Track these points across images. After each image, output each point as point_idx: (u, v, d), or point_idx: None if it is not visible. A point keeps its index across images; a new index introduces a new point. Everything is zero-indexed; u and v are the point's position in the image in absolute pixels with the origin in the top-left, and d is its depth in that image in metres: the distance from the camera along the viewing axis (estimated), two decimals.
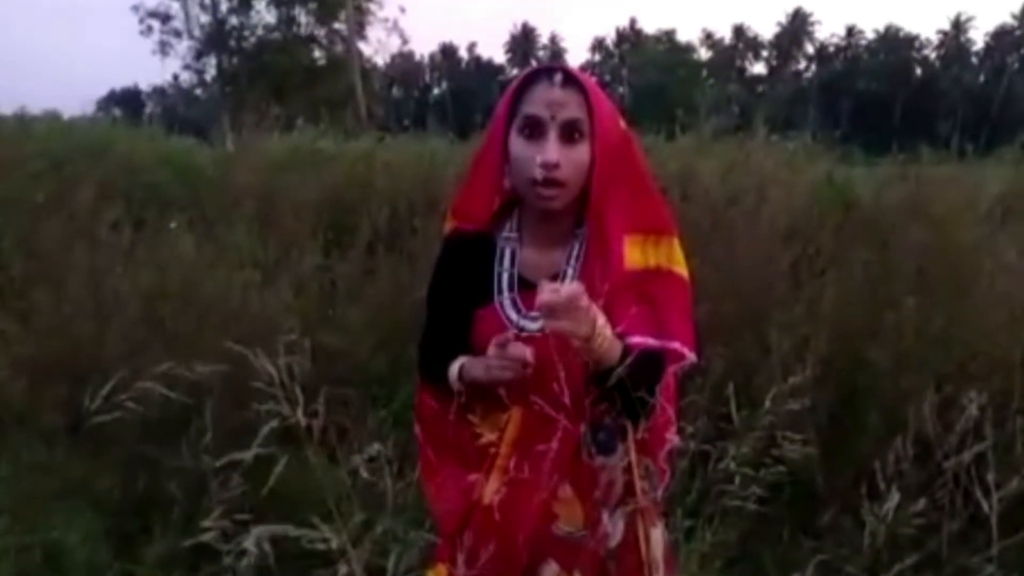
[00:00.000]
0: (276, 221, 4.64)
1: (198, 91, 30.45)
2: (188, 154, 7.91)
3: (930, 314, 2.87)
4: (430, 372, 1.49)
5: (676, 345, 1.35)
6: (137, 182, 6.24)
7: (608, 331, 1.26)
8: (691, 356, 1.36)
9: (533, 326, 1.36)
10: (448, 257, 1.51)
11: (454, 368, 1.40)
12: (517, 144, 1.35)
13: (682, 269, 1.41)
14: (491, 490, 1.39)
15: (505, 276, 1.43)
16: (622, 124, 1.41)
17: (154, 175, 6.42)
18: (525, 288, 1.39)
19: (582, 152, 1.33)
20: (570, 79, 1.34)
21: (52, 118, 10.45)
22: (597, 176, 1.35)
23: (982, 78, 73.05)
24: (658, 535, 1.42)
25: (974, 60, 77.40)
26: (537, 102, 1.33)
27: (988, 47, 76.25)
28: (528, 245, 1.45)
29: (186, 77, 30.14)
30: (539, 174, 1.31)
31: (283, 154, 7.08)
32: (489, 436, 1.41)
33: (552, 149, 1.30)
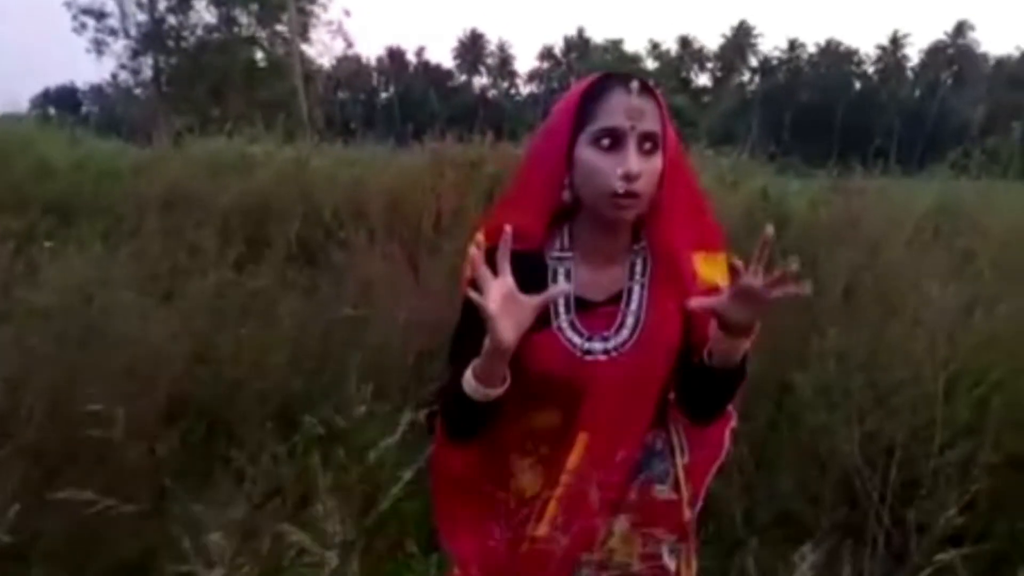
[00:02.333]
0: (187, 232, 4.38)
1: (138, 91, 29.58)
2: (110, 158, 7.54)
3: (855, 340, 2.77)
4: (458, 424, 1.35)
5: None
6: (48, 188, 5.92)
7: None
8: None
9: (598, 348, 1.30)
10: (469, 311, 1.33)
11: (467, 376, 1.25)
12: (591, 154, 1.26)
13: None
14: (547, 520, 1.33)
15: (562, 297, 1.33)
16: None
17: (66, 180, 6.07)
18: (583, 309, 1.33)
19: (657, 163, 1.27)
20: (645, 87, 1.27)
21: None
22: (667, 189, 1.30)
23: (917, 93, 75.30)
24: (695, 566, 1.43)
25: (910, 75, 79.78)
26: (616, 111, 1.25)
27: (923, 63, 78.71)
28: (582, 263, 1.36)
29: (124, 77, 29.26)
30: (620, 187, 1.23)
31: (208, 159, 6.81)
32: (530, 484, 1.37)
33: (633, 159, 1.24)
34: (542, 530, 1.32)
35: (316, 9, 28.00)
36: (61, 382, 2.60)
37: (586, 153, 1.26)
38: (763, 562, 2.33)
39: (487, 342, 1.19)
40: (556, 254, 1.36)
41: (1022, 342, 2.69)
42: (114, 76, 29.32)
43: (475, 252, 1.20)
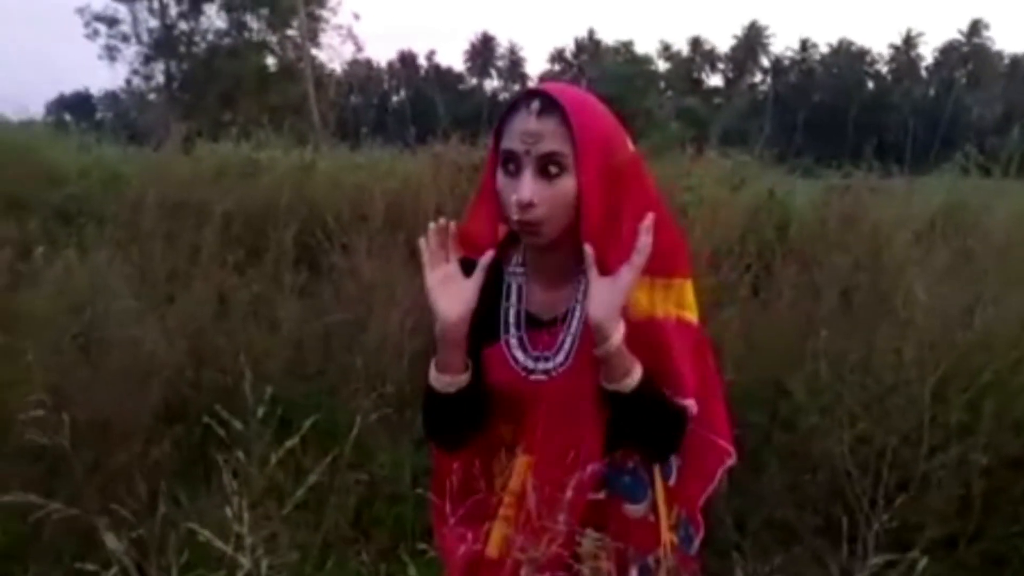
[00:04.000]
0: (187, 238, 4.41)
1: (151, 96, 29.77)
2: (116, 164, 7.59)
3: (849, 343, 2.77)
4: (435, 426, 1.37)
5: (690, 402, 1.25)
6: (55, 195, 5.97)
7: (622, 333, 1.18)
8: (692, 407, 1.26)
9: (540, 367, 1.27)
10: None
11: (431, 369, 1.28)
12: (500, 179, 1.24)
13: (692, 315, 1.28)
14: (495, 542, 1.29)
15: (512, 312, 1.31)
16: (628, 147, 1.26)
17: (72, 186, 6.13)
18: (534, 327, 1.30)
19: (564, 186, 1.19)
20: (550, 106, 1.18)
21: None
22: (586, 211, 1.19)
23: (932, 92, 74.79)
24: None
25: (924, 75, 79.27)
26: (513, 135, 1.21)
27: (937, 62, 78.19)
28: (535, 281, 1.33)
29: (137, 82, 29.47)
30: (515, 214, 1.19)
31: (215, 164, 6.85)
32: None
33: (525, 187, 1.18)
34: (492, 551, 1.29)
35: (326, 14, 28.17)
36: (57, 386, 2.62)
37: (498, 177, 1.24)
38: (753, 566, 2.33)
39: (437, 326, 1.23)
40: (511, 269, 1.35)
41: (1014, 344, 2.67)
42: (127, 82, 29.54)
43: (424, 238, 1.25)
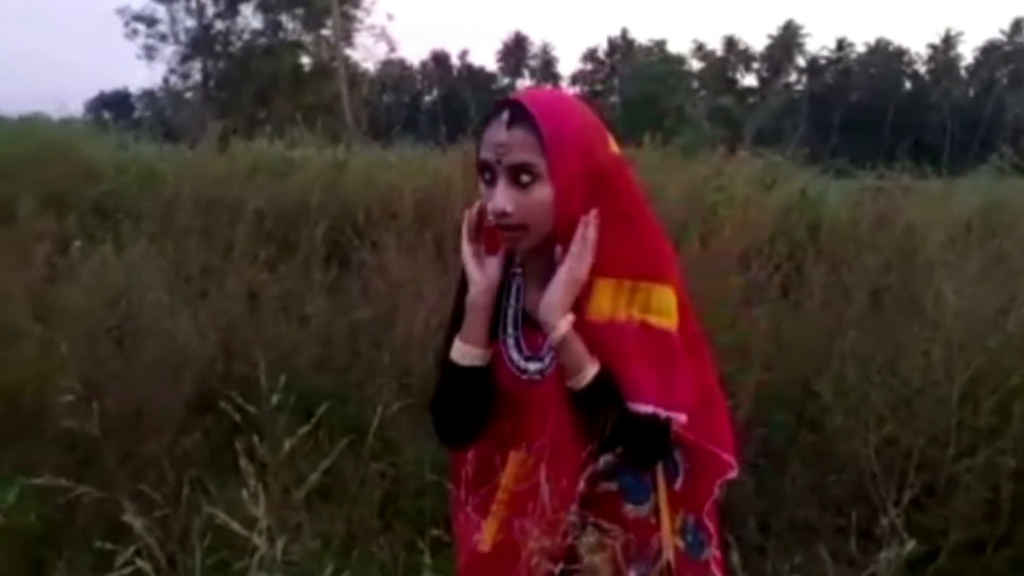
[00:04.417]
0: (220, 234, 4.48)
1: (188, 95, 30.21)
2: (152, 161, 7.72)
3: (877, 344, 2.74)
4: (448, 411, 1.38)
5: (647, 408, 1.22)
6: (93, 191, 6.10)
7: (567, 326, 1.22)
8: (652, 413, 1.22)
9: (533, 367, 1.30)
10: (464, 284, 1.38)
11: (455, 341, 1.32)
12: (481, 188, 1.27)
13: (661, 320, 1.24)
14: (488, 537, 1.31)
15: (511, 312, 1.34)
16: (608, 151, 1.27)
17: (109, 183, 6.25)
18: (531, 327, 1.32)
19: (538, 194, 1.21)
20: (521, 116, 1.20)
21: (23, 120, 10.29)
22: (559, 217, 1.22)
23: (972, 92, 73.43)
24: None
25: (963, 74, 77.83)
26: (486, 145, 1.23)
27: (977, 62, 76.73)
28: (531, 282, 1.34)
29: (174, 81, 29.91)
30: (491, 221, 1.24)
31: (249, 162, 6.95)
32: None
33: (499, 197, 1.21)
34: (485, 546, 1.31)
35: (360, 14, 28.37)
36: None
37: (480, 185, 1.28)
38: (777, 564, 2.32)
39: (470, 292, 1.30)
40: (513, 270, 1.37)
41: None
42: (165, 81, 29.99)
43: (467, 216, 1.32)
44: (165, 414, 2.86)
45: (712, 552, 1.35)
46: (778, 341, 3.27)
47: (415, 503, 3.03)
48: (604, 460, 1.21)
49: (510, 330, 1.33)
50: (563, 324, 1.21)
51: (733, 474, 1.30)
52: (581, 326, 1.23)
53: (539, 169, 1.20)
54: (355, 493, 2.70)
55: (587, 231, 1.21)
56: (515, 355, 1.32)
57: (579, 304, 1.24)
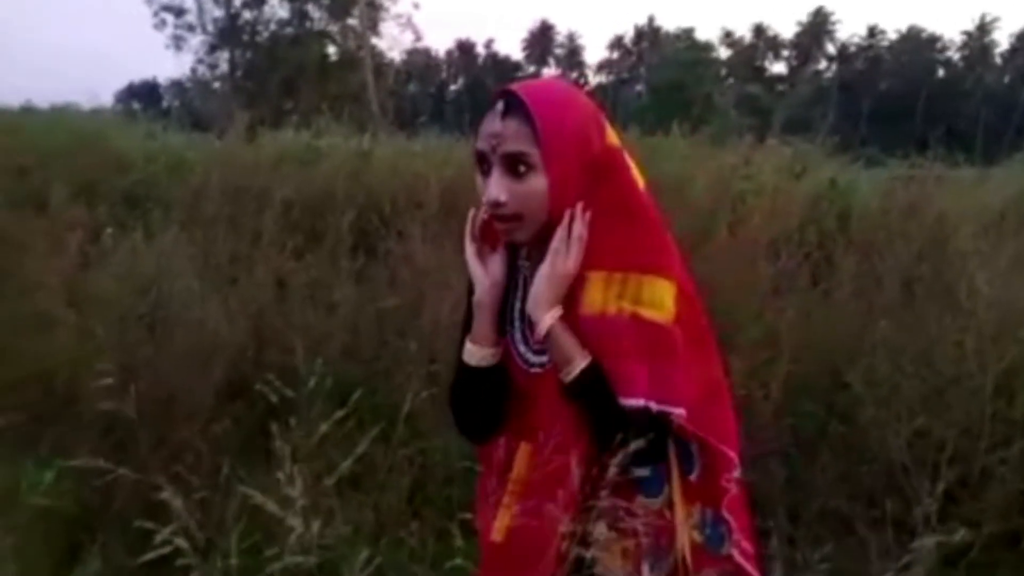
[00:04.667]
0: (248, 223, 4.52)
1: (216, 85, 30.42)
2: (181, 151, 7.80)
3: (909, 335, 2.70)
4: (465, 410, 1.39)
5: (638, 403, 1.20)
6: (123, 180, 6.17)
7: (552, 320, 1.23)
8: (644, 407, 1.19)
9: (539, 360, 1.29)
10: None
11: (466, 343, 1.32)
12: (477, 179, 1.26)
13: (653, 312, 1.21)
14: (499, 528, 1.30)
15: (517, 305, 1.33)
16: (606, 141, 1.25)
17: (139, 172, 6.32)
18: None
19: (533, 184, 1.20)
20: (515, 106, 1.19)
21: (56, 111, 10.44)
22: (554, 207, 1.22)
23: (1007, 79, 72.07)
24: None
25: (998, 61, 76.40)
26: (481, 135, 1.23)
27: (1013, 48, 75.23)
28: (535, 274, 1.31)
29: (202, 71, 30.13)
30: (486, 212, 1.24)
31: (276, 152, 7.00)
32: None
33: (493, 186, 1.20)
34: (497, 537, 1.30)
35: (386, 2, 28.34)
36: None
37: (476, 176, 1.27)
38: (806, 554, 2.31)
39: (476, 292, 1.30)
40: (520, 262, 1.35)
41: None
42: (193, 71, 30.20)
43: (471, 218, 1.32)
44: (196, 400, 2.90)
45: (739, 544, 1.31)
46: (808, 331, 3.24)
47: (443, 490, 3.05)
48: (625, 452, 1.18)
49: (516, 323, 1.33)
50: (547, 318, 1.22)
51: (736, 473, 1.27)
52: (575, 320, 1.23)
53: (533, 159, 1.19)
54: (384, 480, 2.72)
55: (573, 225, 1.21)
56: (522, 348, 1.32)
57: (573, 298, 1.24)
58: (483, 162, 1.23)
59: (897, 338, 2.77)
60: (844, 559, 2.18)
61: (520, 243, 1.30)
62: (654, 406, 1.19)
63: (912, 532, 2.23)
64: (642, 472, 1.25)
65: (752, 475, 2.46)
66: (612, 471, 1.17)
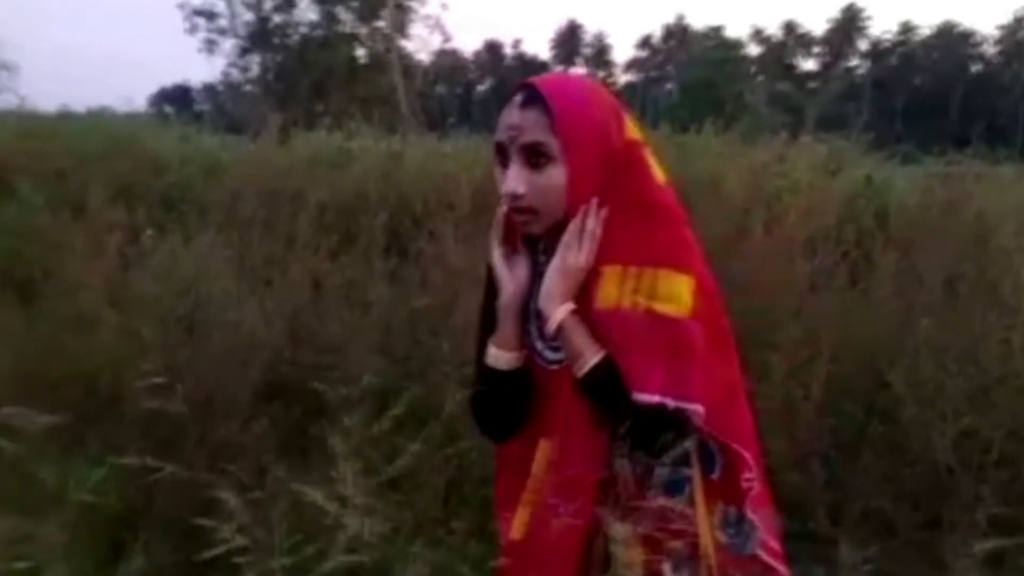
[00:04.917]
0: (283, 225, 4.57)
1: (247, 88, 30.73)
2: (215, 153, 7.90)
3: (952, 333, 2.66)
4: (489, 412, 1.38)
5: (646, 397, 1.18)
6: (159, 183, 6.27)
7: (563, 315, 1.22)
8: (649, 401, 1.16)
9: (557, 356, 1.28)
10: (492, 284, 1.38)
11: (489, 346, 1.31)
12: (496, 171, 1.27)
13: (668, 306, 1.19)
14: (518, 525, 1.30)
15: (534, 302, 1.32)
16: (625, 134, 1.25)
17: (174, 175, 6.41)
18: None
19: (551, 176, 1.20)
20: (534, 97, 1.20)
21: (92, 115, 10.63)
22: (572, 199, 1.21)
23: None
24: None
25: None
26: (500, 127, 1.23)
27: None
28: None
29: (234, 75, 30.44)
30: (504, 203, 1.24)
31: (308, 154, 7.06)
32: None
33: (511, 178, 1.21)
34: (517, 534, 1.30)
35: (414, 4, 28.44)
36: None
37: (495, 169, 1.27)
38: (851, 555, 2.27)
39: (501, 297, 1.29)
40: (539, 257, 1.34)
41: None
42: (225, 74, 30.53)
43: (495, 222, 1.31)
44: (234, 400, 2.92)
45: (765, 544, 1.29)
46: (847, 329, 3.19)
47: (479, 491, 3.04)
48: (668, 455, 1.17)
49: (533, 319, 1.32)
50: (558, 313, 1.22)
51: (752, 474, 1.25)
52: (589, 315, 1.22)
53: (552, 150, 1.19)
54: (421, 481, 2.73)
55: (587, 220, 1.21)
56: (539, 345, 1.31)
57: (589, 293, 1.23)
58: (502, 153, 1.23)
59: (940, 336, 2.72)
60: (888, 561, 2.15)
61: (537, 236, 1.30)
62: (670, 403, 1.17)
63: (958, 534, 2.19)
64: (664, 471, 1.23)
65: (793, 476, 2.44)
66: (664, 471, 1.17)
